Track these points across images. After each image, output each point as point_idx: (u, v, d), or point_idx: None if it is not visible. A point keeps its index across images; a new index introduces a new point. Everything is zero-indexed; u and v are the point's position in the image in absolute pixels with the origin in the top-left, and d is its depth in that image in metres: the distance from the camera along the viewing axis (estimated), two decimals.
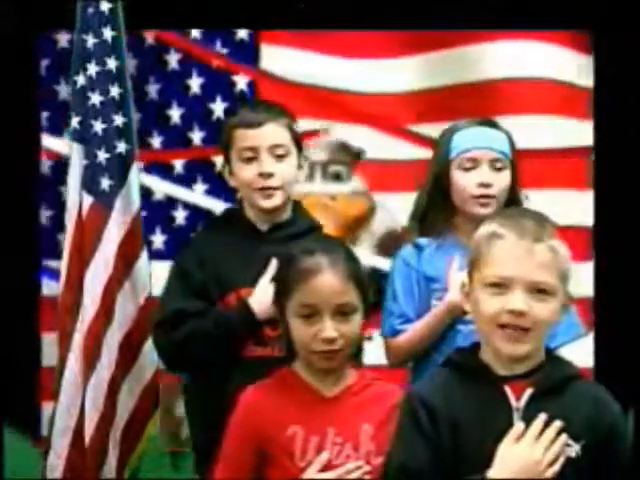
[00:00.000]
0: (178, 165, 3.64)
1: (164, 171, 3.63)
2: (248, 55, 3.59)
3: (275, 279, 2.40)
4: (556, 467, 1.96)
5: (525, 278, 1.98)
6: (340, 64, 3.63)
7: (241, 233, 2.66)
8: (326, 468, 2.20)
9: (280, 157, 2.62)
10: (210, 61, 3.58)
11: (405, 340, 2.68)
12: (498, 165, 2.70)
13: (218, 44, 3.58)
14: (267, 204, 2.62)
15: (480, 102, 3.50)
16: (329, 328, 2.21)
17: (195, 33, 3.59)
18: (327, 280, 2.23)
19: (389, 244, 3.04)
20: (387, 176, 3.53)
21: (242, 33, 3.58)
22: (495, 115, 3.01)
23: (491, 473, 1.95)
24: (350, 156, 3.19)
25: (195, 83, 3.61)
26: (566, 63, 3.60)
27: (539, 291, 1.99)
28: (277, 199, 2.62)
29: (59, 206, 3.39)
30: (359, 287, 2.26)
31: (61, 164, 3.34)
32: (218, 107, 3.59)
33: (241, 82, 3.59)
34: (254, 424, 2.23)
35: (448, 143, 2.73)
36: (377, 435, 2.22)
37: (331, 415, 2.24)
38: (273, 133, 2.62)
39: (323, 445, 2.21)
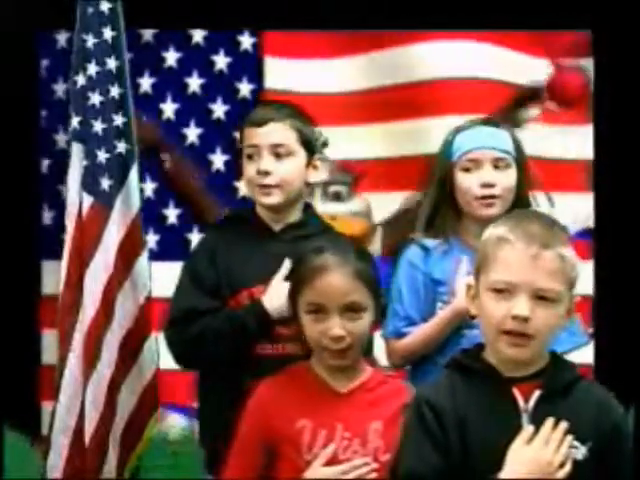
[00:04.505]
0: None
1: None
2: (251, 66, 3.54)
3: (289, 277, 2.43)
4: (567, 468, 1.96)
5: (530, 284, 1.97)
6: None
7: (253, 232, 2.65)
8: (332, 462, 2.21)
9: (280, 157, 2.61)
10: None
11: (410, 342, 2.66)
12: (501, 164, 2.67)
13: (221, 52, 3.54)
14: (265, 201, 2.62)
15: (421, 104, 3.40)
16: (336, 326, 2.23)
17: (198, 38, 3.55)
18: (334, 279, 2.25)
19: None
20: None
21: (246, 43, 3.54)
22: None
23: (502, 475, 1.94)
24: (350, 176, 3.17)
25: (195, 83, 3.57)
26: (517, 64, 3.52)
27: (544, 298, 1.98)
28: (275, 197, 2.61)
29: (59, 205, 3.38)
30: (368, 286, 2.27)
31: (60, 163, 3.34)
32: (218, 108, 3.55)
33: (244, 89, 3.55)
34: (264, 416, 2.26)
35: (450, 145, 2.71)
36: (386, 432, 2.23)
37: (341, 410, 2.25)
38: (275, 132, 2.61)
39: (331, 439, 2.23)
